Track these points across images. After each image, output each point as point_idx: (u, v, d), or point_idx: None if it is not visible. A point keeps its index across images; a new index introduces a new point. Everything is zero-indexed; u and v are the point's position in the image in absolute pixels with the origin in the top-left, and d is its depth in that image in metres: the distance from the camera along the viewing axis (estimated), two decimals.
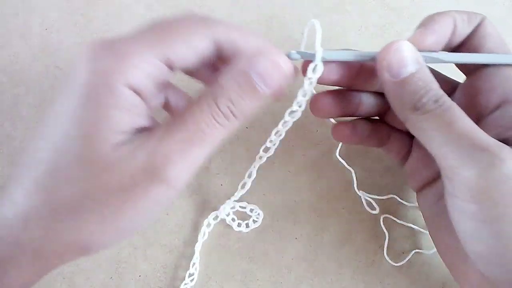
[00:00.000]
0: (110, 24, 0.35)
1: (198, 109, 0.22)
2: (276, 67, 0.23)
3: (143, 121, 0.23)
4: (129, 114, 0.22)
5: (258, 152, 0.29)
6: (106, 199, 0.22)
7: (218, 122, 0.22)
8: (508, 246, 0.23)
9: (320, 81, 0.26)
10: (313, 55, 0.26)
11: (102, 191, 0.22)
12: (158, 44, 0.22)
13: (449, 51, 0.28)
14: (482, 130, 0.23)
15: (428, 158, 0.29)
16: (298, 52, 0.26)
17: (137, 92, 0.22)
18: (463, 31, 0.27)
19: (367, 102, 0.29)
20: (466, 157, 0.23)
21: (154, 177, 0.22)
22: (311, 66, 0.26)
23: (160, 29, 0.23)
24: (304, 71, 0.26)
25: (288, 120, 0.27)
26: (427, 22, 0.26)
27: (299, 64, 0.27)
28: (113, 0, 0.36)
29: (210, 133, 0.22)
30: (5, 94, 0.34)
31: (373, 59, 0.26)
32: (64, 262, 0.23)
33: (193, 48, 0.23)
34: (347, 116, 0.30)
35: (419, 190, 0.30)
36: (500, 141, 0.23)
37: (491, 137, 0.23)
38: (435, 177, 0.29)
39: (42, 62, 0.35)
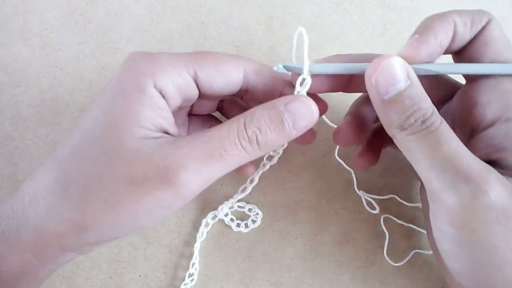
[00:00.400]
0: (110, 24, 0.35)
1: (227, 127, 0.23)
2: (307, 110, 0.24)
3: (166, 125, 0.24)
4: (153, 112, 0.23)
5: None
6: (114, 186, 0.22)
7: (241, 145, 0.23)
8: (482, 270, 0.23)
9: (310, 91, 0.26)
10: (300, 69, 0.25)
11: (112, 178, 0.22)
12: (190, 61, 0.24)
13: (453, 56, 0.27)
14: (469, 153, 0.23)
15: None
16: (284, 66, 0.25)
17: (163, 95, 0.24)
18: (465, 37, 0.25)
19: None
20: (448, 184, 0.22)
21: (165, 178, 0.22)
22: (299, 79, 0.25)
23: (195, 53, 0.25)
24: (294, 82, 0.26)
25: None
26: (423, 30, 0.24)
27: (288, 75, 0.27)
28: (113, 0, 0.36)
29: (230, 152, 0.23)
30: (5, 94, 0.34)
31: (362, 71, 0.24)
32: (62, 246, 0.23)
33: (221, 72, 0.25)
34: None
35: (422, 183, 0.30)
36: (489, 162, 0.23)
37: (478, 161, 0.23)
38: None
39: (42, 62, 0.35)
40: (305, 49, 0.25)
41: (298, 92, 0.25)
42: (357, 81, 0.27)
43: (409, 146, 0.23)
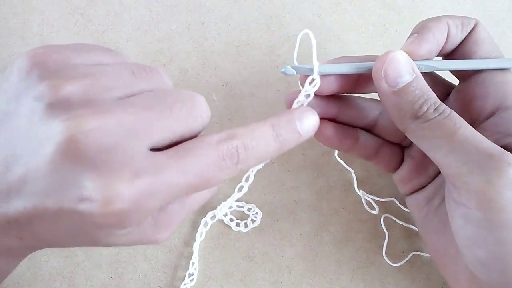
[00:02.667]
0: (110, 24, 0.35)
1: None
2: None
3: None
4: None
5: (258, 164, 0.29)
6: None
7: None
8: (509, 253, 0.23)
9: (318, 93, 0.26)
10: (310, 70, 0.25)
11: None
12: None
13: (442, 57, 0.28)
14: (484, 136, 0.23)
15: (420, 168, 0.29)
16: (293, 67, 0.26)
17: None
18: (457, 38, 0.27)
19: (364, 138, 0.29)
20: (472, 164, 0.23)
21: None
22: (308, 80, 0.26)
23: None
24: (302, 84, 0.26)
25: None
26: (420, 30, 0.26)
27: (296, 77, 0.27)
28: (113, 0, 0.36)
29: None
30: None
31: (370, 69, 0.25)
32: (62, 205, 0.19)
33: None
34: (346, 151, 0.30)
35: (409, 195, 0.30)
36: None
37: (493, 143, 0.23)
38: (426, 183, 0.29)
39: None
40: (314, 50, 0.25)
41: (306, 91, 0.26)
42: (363, 82, 0.28)
43: (424, 134, 0.24)
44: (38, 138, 0.19)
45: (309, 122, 0.24)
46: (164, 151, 0.21)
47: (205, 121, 0.22)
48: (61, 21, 0.35)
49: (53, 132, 0.19)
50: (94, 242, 0.21)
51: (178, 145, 0.21)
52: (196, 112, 0.22)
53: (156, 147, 0.20)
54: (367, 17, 0.36)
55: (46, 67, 0.20)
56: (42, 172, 0.19)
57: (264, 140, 0.22)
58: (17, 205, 0.20)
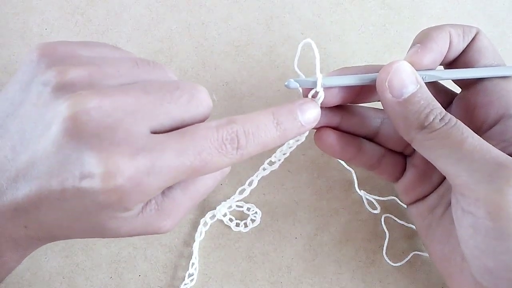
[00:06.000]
0: (110, 24, 0.35)
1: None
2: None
3: None
4: None
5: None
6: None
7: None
8: None
9: (321, 105, 0.26)
10: (313, 83, 0.25)
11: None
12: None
13: (444, 66, 0.28)
14: (491, 145, 0.23)
15: (423, 176, 0.29)
16: (297, 80, 0.26)
17: None
18: (459, 46, 0.27)
19: (367, 147, 0.29)
20: (481, 174, 0.22)
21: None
22: (311, 93, 0.26)
23: None
24: (306, 96, 0.26)
25: (293, 144, 0.28)
26: (423, 40, 0.26)
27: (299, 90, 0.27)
28: (113, 0, 0.36)
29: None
30: None
31: (373, 81, 0.25)
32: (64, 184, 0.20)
33: None
34: (348, 160, 0.30)
35: (411, 204, 0.30)
36: None
37: (501, 152, 0.23)
38: (428, 193, 0.29)
39: None
40: (317, 62, 0.25)
41: None
42: (366, 93, 0.28)
43: (431, 144, 0.24)
44: (44, 121, 0.20)
45: (311, 112, 0.24)
46: (165, 133, 0.21)
47: (206, 110, 0.23)
48: (61, 21, 0.35)
49: (56, 112, 0.20)
50: (98, 228, 0.22)
51: (179, 129, 0.21)
52: (197, 100, 0.22)
53: (157, 131, 0.21)
54: (367, 17, 0.36)
55: (54, 56, 0.21)
56: (48, 153, 0.19)
57: (265, 127, 0.22)
58: (25, 190, 0.20)
